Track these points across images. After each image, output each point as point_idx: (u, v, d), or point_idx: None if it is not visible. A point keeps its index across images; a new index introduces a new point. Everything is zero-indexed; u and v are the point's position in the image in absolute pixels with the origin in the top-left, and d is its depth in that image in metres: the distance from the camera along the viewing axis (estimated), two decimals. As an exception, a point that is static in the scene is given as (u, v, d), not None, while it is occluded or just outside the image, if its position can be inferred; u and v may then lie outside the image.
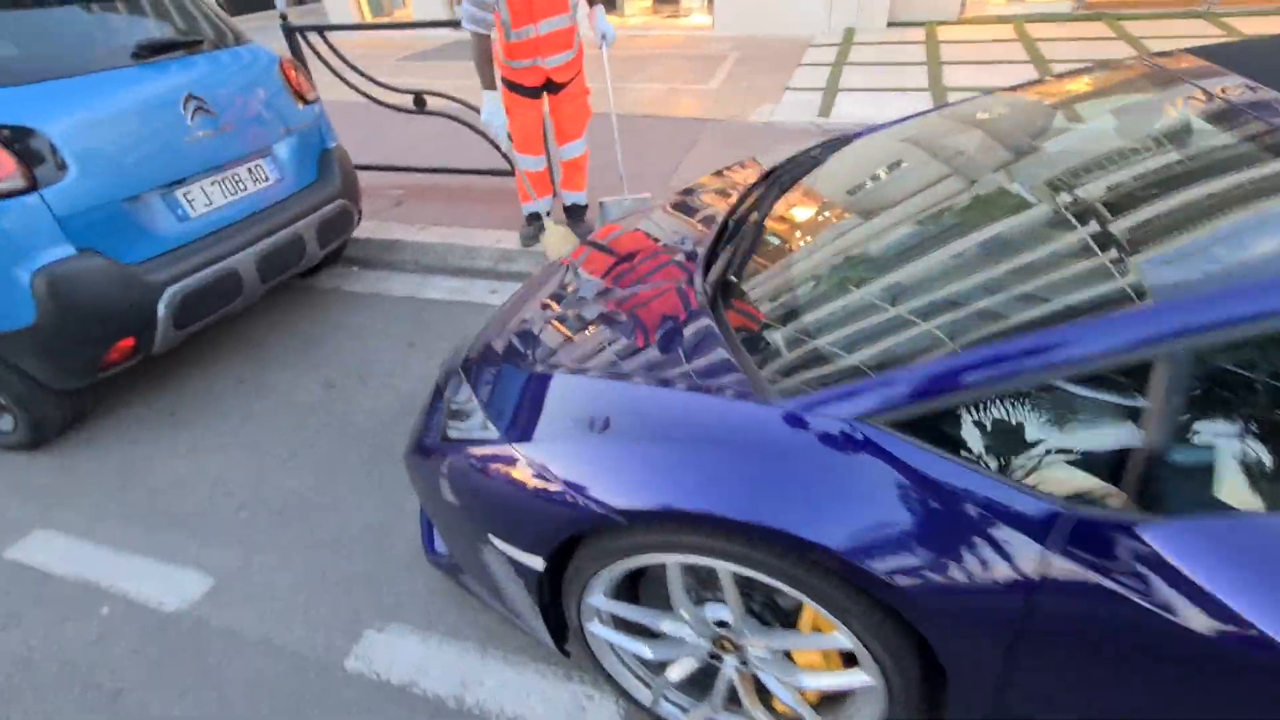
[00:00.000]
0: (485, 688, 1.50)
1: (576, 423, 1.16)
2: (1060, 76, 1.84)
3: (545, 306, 1.64)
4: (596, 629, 1.27)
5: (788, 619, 1.16)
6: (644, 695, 1.35)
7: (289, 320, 2.99)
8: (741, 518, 0.97)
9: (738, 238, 1.54)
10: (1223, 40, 5.43)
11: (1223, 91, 1.23)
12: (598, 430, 1.12)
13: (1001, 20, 6.64)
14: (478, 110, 2.93)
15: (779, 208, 1.68)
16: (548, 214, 3.24)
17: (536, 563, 1.19)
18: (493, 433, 1.27)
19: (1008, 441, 0.91)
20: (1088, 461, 0.88)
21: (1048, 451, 0.90)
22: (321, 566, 1.81)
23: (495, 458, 1.22)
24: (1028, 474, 0.89)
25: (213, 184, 2.44)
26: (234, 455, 2.22)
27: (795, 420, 0.99)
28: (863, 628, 0.98)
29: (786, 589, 1.01)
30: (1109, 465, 0.86)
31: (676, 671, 1.27)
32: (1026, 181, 1.28)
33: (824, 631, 1.09)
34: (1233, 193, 1.00)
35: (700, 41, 7.24)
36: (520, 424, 1.24)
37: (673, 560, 1.09)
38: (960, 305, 1.06)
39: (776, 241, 1.53)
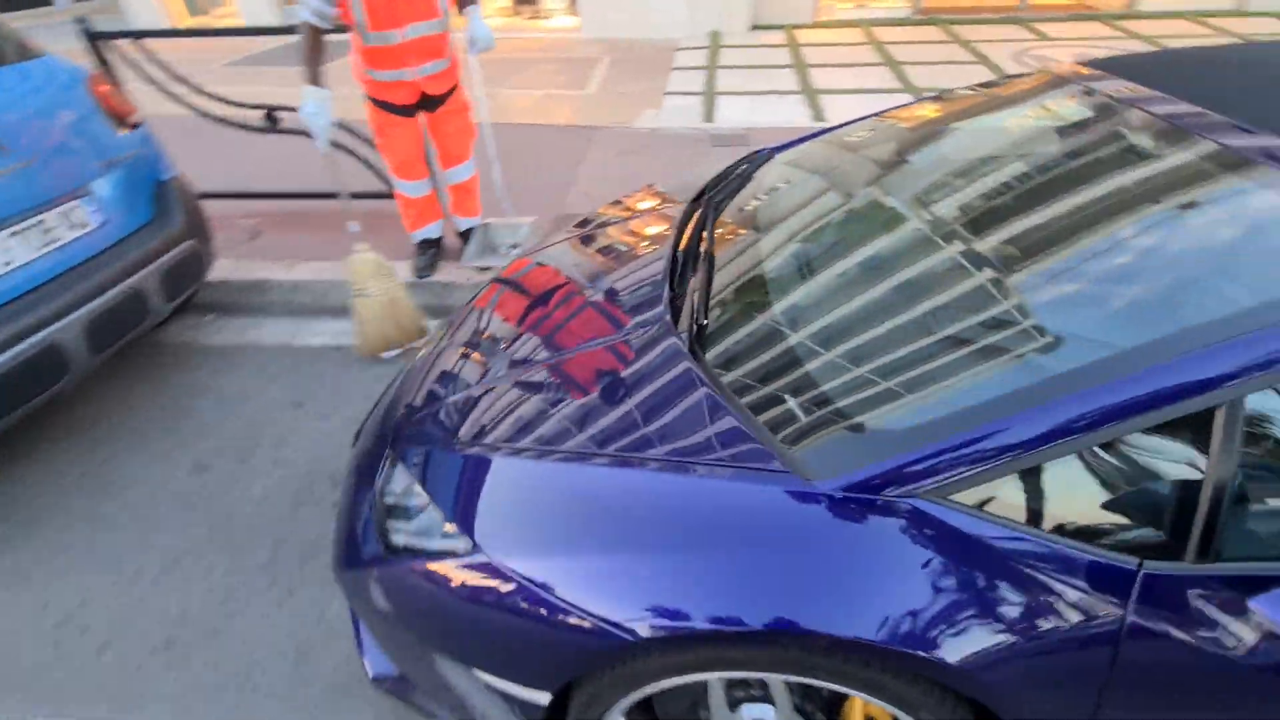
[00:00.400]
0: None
1: (578, 526, 0.97)
2: (982, 86, 1.89)
3: (473, 359, 1.42)
4: (614, 754, 1.09)
5: (829, 707, 1.05)
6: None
7: (137, 390, 2.46)
8: (802, 626, 0.84)
9: (697, 275, 1.40)
10: (1035, 42, 6.14)
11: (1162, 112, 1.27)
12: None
13: (850, 24, 7.07)
14: (339, 125, 2.54)
15: (738, 239, 1.56)
16: (438, 240, 2.93)
17: (540, 698, 0.99)
18: (461, 542, 1.05)
19: (1075, 502, 0.86)
20: (1155, 516, 0.84)
21: (1114, 508, 0.85)
22: (231, 712, 1.46)
23: (472, 574, 1.00)
24: (1097, 534, 0.84)
25: (11, 236, 1.93)
26: (86, 579, 1.75)
27: (842, 503, 0.88)
28: (933, 719, 0.90)
29: (849, 691, 0.90)
30: (1176, 518, 0.82)
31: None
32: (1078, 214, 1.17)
33: (879, 722, 1.00)
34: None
35: (568, 44, 7.04)
36: (497, 529, 1.03)
37: (716, 677, 0.94)
38: (1015, 349, 0.99)
39: (753, 279, 1.39)
